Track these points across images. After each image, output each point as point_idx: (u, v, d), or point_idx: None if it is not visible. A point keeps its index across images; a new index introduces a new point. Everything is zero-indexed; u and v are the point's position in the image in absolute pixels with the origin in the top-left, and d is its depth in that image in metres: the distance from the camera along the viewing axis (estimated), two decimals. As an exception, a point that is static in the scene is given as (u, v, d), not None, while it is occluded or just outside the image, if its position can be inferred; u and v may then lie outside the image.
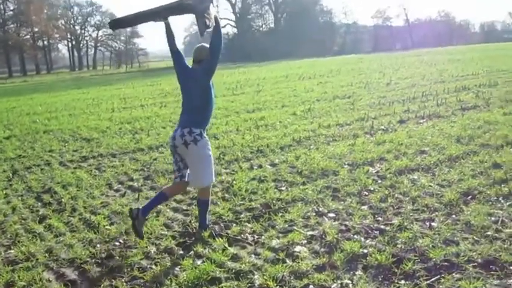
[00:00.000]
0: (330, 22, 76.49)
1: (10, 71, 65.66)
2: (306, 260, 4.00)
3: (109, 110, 15.23)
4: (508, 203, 4.89)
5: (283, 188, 5.91)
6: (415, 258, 3.86)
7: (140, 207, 4.62)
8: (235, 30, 75.51)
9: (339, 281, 3.63)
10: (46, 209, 5.83)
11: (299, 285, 3.63)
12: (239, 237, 4.57)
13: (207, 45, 4.66)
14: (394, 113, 10.75)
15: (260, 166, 7.03)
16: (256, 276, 3.78)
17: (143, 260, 4.26)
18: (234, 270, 3.89)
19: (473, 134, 7.89)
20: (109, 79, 39.99)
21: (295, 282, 3.67)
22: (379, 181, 5.91)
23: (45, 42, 73.85)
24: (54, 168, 7.84)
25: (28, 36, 70.17)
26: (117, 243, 4.66)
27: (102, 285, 3.90)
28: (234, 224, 4.92)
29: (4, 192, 6.70)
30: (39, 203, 6.13)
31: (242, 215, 5.14)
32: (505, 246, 3.95)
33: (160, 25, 4.76)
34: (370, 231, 4.47)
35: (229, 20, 73.89)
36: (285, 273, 3.77)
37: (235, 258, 4.14)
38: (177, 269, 4.05)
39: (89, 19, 77.88)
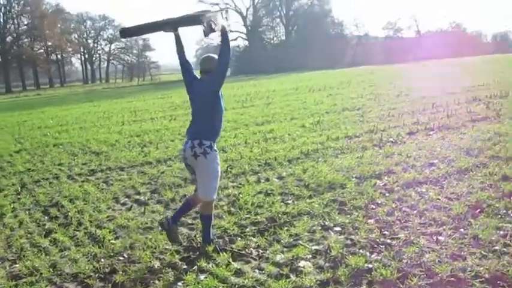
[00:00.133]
0: (341, 34, 76.47)
1: (24, 85, 66.58)
2: (310, 275, 3.96)
3: (119, 123, 15.32)
4: (517, 217, 4.79)
5: (289, 202, 5.87)
6: (421, 273, 3.80)
7: (168, 216, 4.81)
8: (246, 42, 76.00)
9: (342, 297, 3.58)
10: (52, 223, 5.85)
11: (302, 301, 3.59)
12: (243, 252, 4.54)
13: (214, 55, 4.69)
14: (403, 124, 10.67)
15: (267, 179, 7.00)
16: (259, 292, 3.74)
17: (146, 275, 4.24)
18: (237, 286, 3.86)
19: (483, 145, 7.80)
20: (121, 92, 40.36)
21: (299, 298, 3.63)
22: (387, 194, 5.84)
23: (59, 56, 74.91)
24: (62, 182, 7.88)
25: (42, 50, 71.20)
26: (121, 258, 4.65)
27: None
28: (239, 238, 4.89)
29: (12, 206, 6.74)
30: (46, 217, 6.16)
31: (247, 229, 5.11)
32: (514, 261, 3.87)
33: (171, 37, 4.82)
34: (375, 246, 4.41)
35: (240, 32, 74.47)
36: (288, 289, 3.72)
37: (238, 273, 4.11)
38: (180, 284, 4.03)
39: (101, 33, 79.00)
